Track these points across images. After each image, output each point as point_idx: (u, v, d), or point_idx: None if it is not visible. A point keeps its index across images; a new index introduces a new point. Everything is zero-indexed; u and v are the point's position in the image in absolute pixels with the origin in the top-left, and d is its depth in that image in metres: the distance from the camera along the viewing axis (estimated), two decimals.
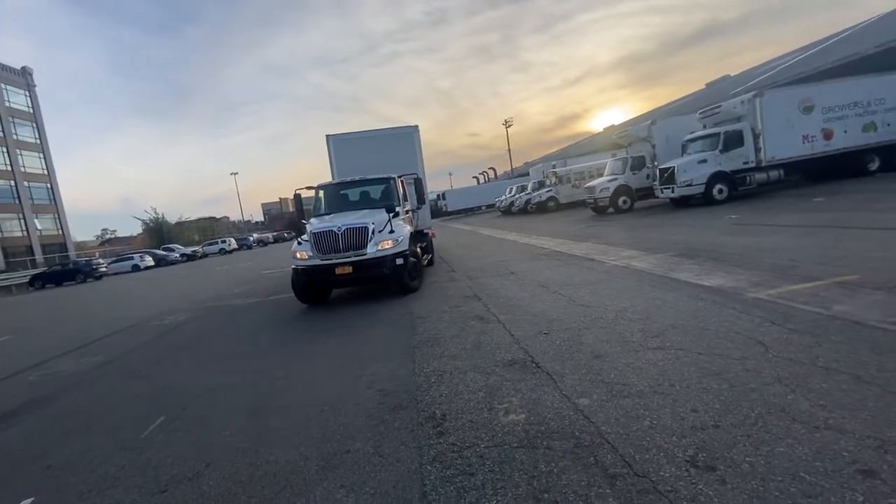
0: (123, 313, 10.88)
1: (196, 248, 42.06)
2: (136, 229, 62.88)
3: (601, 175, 22.71)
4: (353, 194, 9.17)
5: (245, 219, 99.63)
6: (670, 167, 14.65)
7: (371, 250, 7.12)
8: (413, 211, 9.76)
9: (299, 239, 7.76)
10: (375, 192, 9.04)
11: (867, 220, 7.68)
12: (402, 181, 9.22)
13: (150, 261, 34.08)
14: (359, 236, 7.15)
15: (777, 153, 14.17)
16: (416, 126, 11.78)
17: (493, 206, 43.78)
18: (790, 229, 8.13)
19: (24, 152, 46.48)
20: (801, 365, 2.91)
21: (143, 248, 43.80)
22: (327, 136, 11.53)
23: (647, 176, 17.17)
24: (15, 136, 45.77)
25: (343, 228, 7.15)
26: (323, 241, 7.20)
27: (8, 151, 44.59)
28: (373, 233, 7.22)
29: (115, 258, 35.74)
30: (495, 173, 76.49)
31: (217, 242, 45.02)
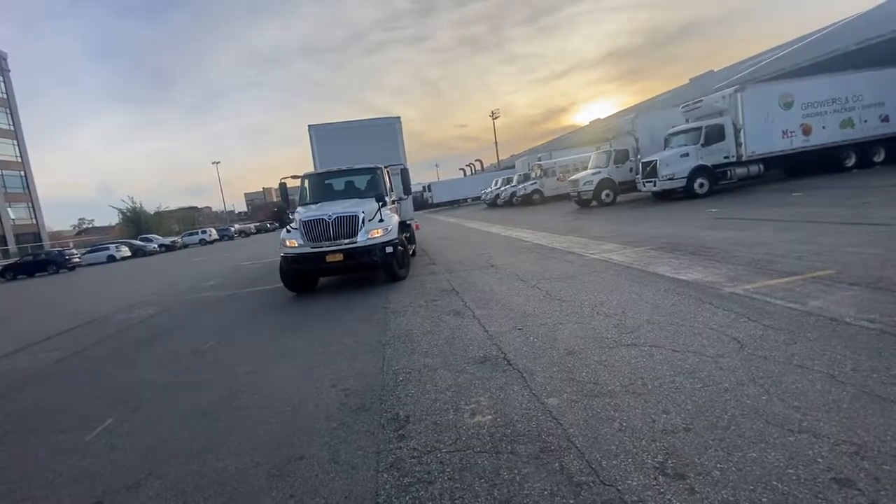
0: (91, 306, 10.47)
1: (175, 239, 41.04)
2: (114, 219, 61.22)
3: (586, 168, 22.78)
4: (339, 184, 9.14)
5: (228, 209, 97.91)
6: (652, 161, 14.66)
7: (361, 238, 7.15)
8: (398, 201, 9.74)
9: (288, 227, 7.71)
10: (361, 182, 9.05)
11: (844, 215, 7.73)
12: (388, 171, 9.22)
13: (126, 251, 33.10)
14: (350, 224, 7.17)
15: (757, 148, 14.27)
16: (399, 117, 11.77)
17: (479, 198, 43.67)
18: (768, 223, 8.15)
19: None
20: (776, 363, 2.82)
21: (120, 239, 42.63)
22: (309, 126, 11.44)
23: (631, 169, 17.19)
24: None
25: (334, 217, 7.17)
26: (314, 229, 7.21)
27: None
28: (363, 221, 7.25)
29: (89, 248, 34.64)
30: (482, 165, 76.35)
31: (197, 233, 44.01)
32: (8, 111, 46.75)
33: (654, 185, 14.68)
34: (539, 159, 29.05)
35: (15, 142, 46.97)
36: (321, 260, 7.16)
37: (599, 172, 17.27)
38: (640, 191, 16.22)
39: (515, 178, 30.21)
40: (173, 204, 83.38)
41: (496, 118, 60.88)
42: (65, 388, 4.52)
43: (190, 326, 6.65)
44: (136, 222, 50.99)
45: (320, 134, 11.53)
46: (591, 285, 5.56)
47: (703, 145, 14.14)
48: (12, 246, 42.96)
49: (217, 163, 67.27)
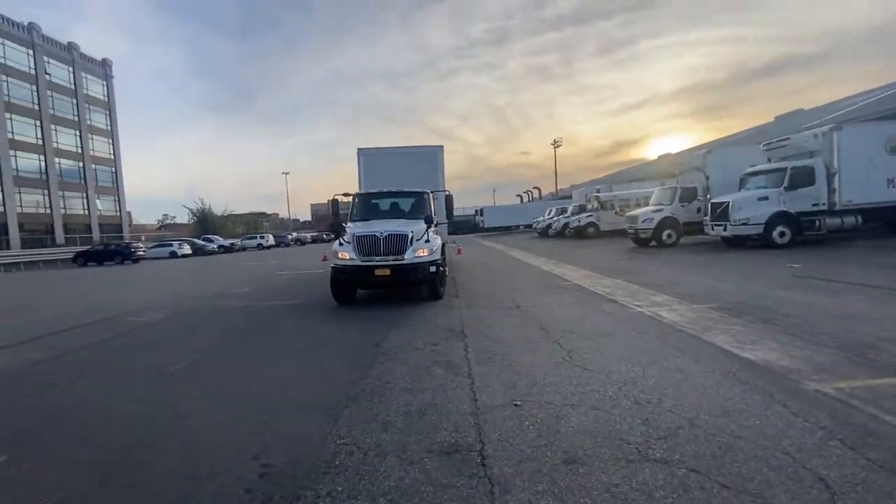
0: (115, 302, 10.59)
1: (234, 241, 43.17)
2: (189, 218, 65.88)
3: (647, 204, 21.15)
4: (385, 204, 9.67)
5: (293, 217, 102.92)
6: (724, 202, 13.00)
7: (409, 256, 7.57)
8: (437, 225, 9.88)
9: (341, 240, 8.15)
10: (406, 203, 9.60)
11: None
12: (433, 196, 9.82)
13: (187, 249, 35.08)
14: (399, 242, 7.61)
15: (855, 196, 12.24)
16: (441, 146, 12.52)
17: (531, 226, 42.39)
18: (868, 290, 6.55)
19: (95, 137, 49.87)
20: None
21: (190, 236, 45.54)
22: (359, 149, 12.45)
23: (698, 209, 15.49)
24: (89, 122, 49.22)
25: (385, 234, 7.61)
26: (365, 244, 7.63)
27: (80, 135, 47.99)
28: (411, 240, 7.67)
29: (156, 243, 37.17)
30: (540, 193, 75.03)
31: (256, 237, 46.09)
32: (108, 113, 52.19)
33: (725, 230, 12.98)
34: (597, 191, 27.55)
35: (110, 140, 52.16)
36: (370, 273, 7.54)
37: (662, 210, 15.69)
38: (707, 234, 14.48)
39: (570, 209, 28.79)
40: (245, 208, 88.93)
41: (558, 146, 59.66)
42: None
43: (180, 339, 6.22)
44: (204, 222, 54.47)
45: (368, 157, 12.44)
46: (626, 350, 4.46)
47: (786, 189, 12.34)
48: (96, 234, 47.23)
49: (286, 173, 71.15)
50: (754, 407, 3.01)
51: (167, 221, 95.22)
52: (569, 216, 27.55)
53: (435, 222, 9.10)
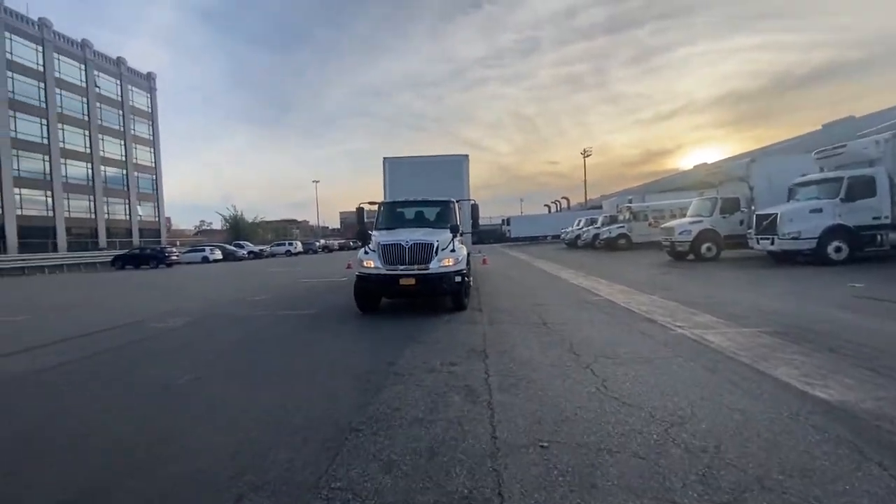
0: (141, 306, 10.64)
1: (263, 247, 44.04)
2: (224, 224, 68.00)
3: (684, 216, 20.17)
4: (410, 213, 9.63)
5: (322, 224, 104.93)
6: (772, 214, 12.05)
7: (434, 266, 7.44)
8: (463, 234, 9.75)
9: (366, 249, 8.07)
10: (431, 213, 9.50)
11: None
12: (458, 205, 9.76)
13: (219, 254, 35.95)
14: (424, 251, 7.49)
15: None
16: (467, 155, 12.46)
17: (559, 237, 41.45)
18: None
19: (138, 146, 52.23)
20: None
21: (222, 242, 46.82)
22: (384, 158, 12.54)
23: (741, 222, 14.50)
24: (133, 132, 51.62)
25: (411, 243, 7.52)
26: (390, 253, 7.53)
27: (125, 144, 50.34)
28: (437, 250, 7.55)
29: (189, 248, 38.29)
30: (568, 203, 73.69)
31: (284, 244, 46.88)
32: (150, 123, 54.61)
33: (772, 244, 12.02)
34: (629, 201, 26.56)
35: (152, 149, 54.51)
36: (395, 282, 7.44)
37: (701, 221, 14.76)
38: (751, 248, 13.49)
39: (600, 220, 27.88)
40: (276, 215, 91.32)
41: (588, 156, 58.42)
42: None
43: (194, 349, 6.00)
44: (236, 228, 56.01)
45: (393, 166, 12.53)
46: (670, 382, 3.89)
47: (843, 200, 11.32)
48: (136, 239, 49.17)
49: (317, 182, 72.67)
50: (841, 465, 2.43)
51: (204, 227, 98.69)
52: (599, 227, 26.65)
53: (460, 231, 8.88)
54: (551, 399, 3.59)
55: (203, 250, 35.96)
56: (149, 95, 54.65)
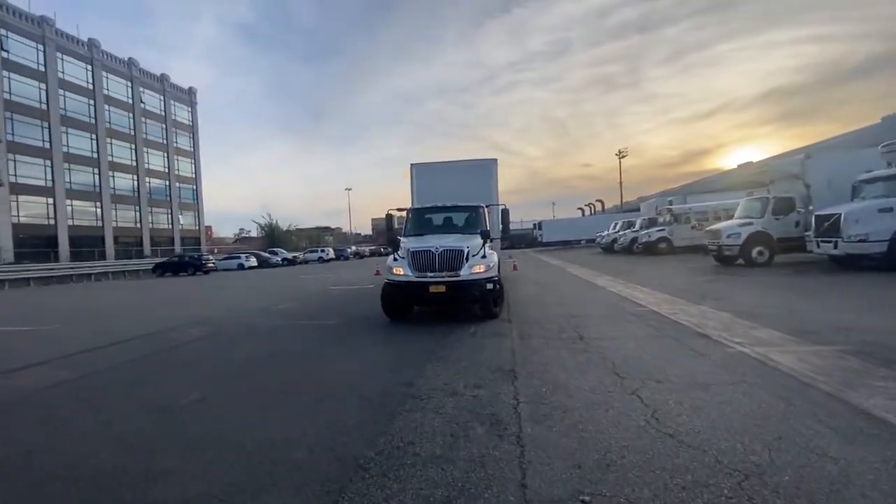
0: (170, 314, 10.67)
1: (297, 254, 44.82)
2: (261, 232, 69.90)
3: (730, 217, 18.93)
4: (438, 219, 9.51)
5: (355, 231, 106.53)
6: (834, 214, 10.92)
7: (465, 273, 7.25)
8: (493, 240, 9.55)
9: (395, 255, 7.92)
10: (459, 218, 9.34)
11: None
12: (488, 210, 9.57)
13: (254, 261, 36.77)
14: (455, 258, 7.30)
15: None
16: (495, 159, 12.32)
17: (594, 241, 40.16)
18: None
19: (179, 158, 54.51)
20: None
21: (258, 249, 48.02)
22: (412, 164, 12.49)
23: (797, 223, 13.29)
24: (175, 144, 53.92)
25: (441, 249, 7.34)
26: (420, 260, 7.38)
27: (168, 157, 52.62)
28: (467, 256, 7.35)
29: (225, 256, 39.37)
30: (603, 206, 71.70)
31: (317, 251, 47.59)
32: (191, 136, 56.91)
33: (835, 247, 10.88)
34: (669, 202, 25.27)
35: (192, 161, 56.75)
36: (425, 289, 7.27)
37: (751, 224, 13.62)
38: (809, 252, 12.32)
39: (638, 223, 26.66)
40: (311, 223, 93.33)
41: (623, 157, 56.59)
42: None
43: (206, 364, 5.75)
44: (271, 236, 57.40)
45: (421, 172, 12.43)
46: (736, 415, 3.25)
47: None
48: (178, 247, 51.13)
49: (349, 189, 73.72)
50: None
51: (242, 235, 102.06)
52: (637, 230, 25.45)
53: (491, 237, 8.69)
54: (592, 435, 3.03)
55: (239, 257, 36.88)
56: (190, 109, 57.02)
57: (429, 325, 7.44)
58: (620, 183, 59.26)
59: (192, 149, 56.87)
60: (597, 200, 72.90)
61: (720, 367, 4.39)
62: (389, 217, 9.70)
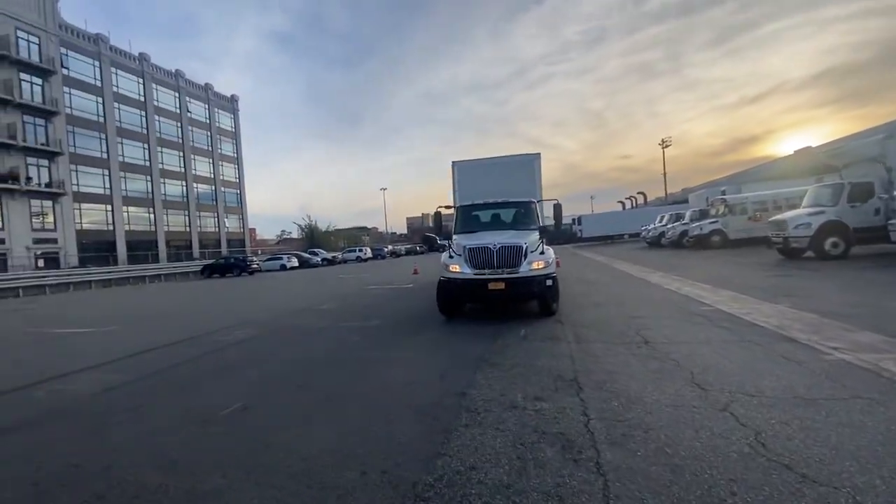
0: (216, 316, 10.83)
1: (336, 254, 45.54)
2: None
3: (793, 207, 17.53)
4: (487, 215, 9.38)
5: (390, 231, 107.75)
6: None
7: (524, 269, 7.13)
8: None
9: (451, 253, 7.87)
10: (512, 214, 9.20)
11: None
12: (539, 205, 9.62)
13: (295, 262, 37.60)
14: (513, 255, 7.18)
15: None
16: (538, 154, 12.35)
17: (637, 235, 38.54)
18: None
19: (223, 164, 56.63)
20: None
21: (299, 250, 49.23)
22: (453, 162, 12.98)
23: (877, 211, 11.97)
24: (219, 151, 56.06)
25: (498, 246, 7.22)
26: (478, 257, 7.29)
27: (213, 163, 54.79)
28: (526, 253, 7.22)
29: (268, 257, 40.49)
30: (645, 199, 68.91)
31: (355, 250, 48.21)
32: (234, 142, 59.00)
33: None
34: (722, 192, 23.72)
35: (236, 166, 58.84)
36: (483, 287, 7.16)
37: (823, 213, 12.38)
38: (893, 243, 11.05)
39: (688, 215, 25.19)
40: (347, 223, 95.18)
41: (667, 146, 54.12)
42: None
43: (249, 368, 5.62)
44: (311, 237, 58.70)
45: (462, 169, 12.76)
46: (862, 439, 2.69)
47: None
48: (224, 249, 53.18)
49: (384, 189, 74.48)
50: None
51: (284, 236, 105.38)
52: (687, 223, 24.04)
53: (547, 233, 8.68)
54: (687, 463, 2.57)
55: (281, 258, 37.82)
56: (232, 116, 59.14)
57: (475, 327, 7.08)
58: (664, 174, 56.82)
59: (235, 154, 58.99)
60: (638, 193, 69.90)
61: (822, 377, 3.78)
62: (438, 214, 9.68)
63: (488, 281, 7.14)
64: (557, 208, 9.37)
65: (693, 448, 2.73)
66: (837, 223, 12.18)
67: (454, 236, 8.38)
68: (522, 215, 9.06)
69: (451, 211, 10.14)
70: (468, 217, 9.26)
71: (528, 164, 12.16)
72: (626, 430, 3.04)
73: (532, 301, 7.71)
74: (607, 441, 2.90)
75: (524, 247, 7.28)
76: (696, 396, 3.54)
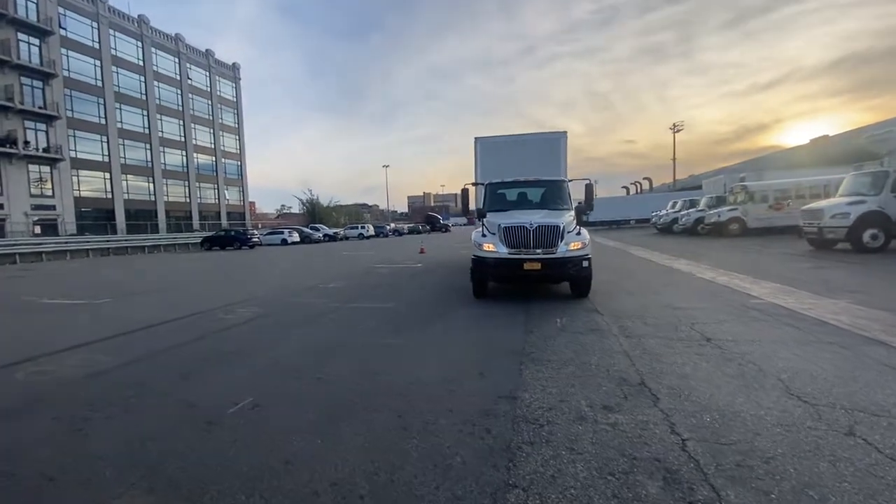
0: (218, 291, 10.22)
1: (338, 231, 44.82)
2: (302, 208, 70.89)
3: (817, 196, 16.92)
4: (512, 194, 9.15)
5: (391, 209, 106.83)
6: None
7: (562, 249, 6.97)
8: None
9: (483, 231, 7.73)
10: (541, 193, 8.90)
11: None
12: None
13: (296, 237, 36.92)
14: (550, 234, 7.02)
15: None
16: (565, 132, 11.64)
17: (646, 221, 37.78)
18: None
19: (224, 134, 55.31)
20: None
21: (299, 225, 48.46)
22: (476, 138, 12.12)
23: None
24: (220, 120, 54.66)
25: (535, 225, 7.04)
26: (514, 236, 7.11)
27: (214, 132, 53.47)
28: (562, 233, 7.06)
29: (269, 231, 39.76)
30: (650, 184, 67.96)
31: (357, 227, 47.49)
32: (235, 111, 57.52)
33: None
34: (741, 179, 22.91)
35: (237, 137, 57.50)
36: (519, 267, 7.00)
37: (863, 202, 11.61)
38: None
39: (703, 201, 24.43)
40: (350, 199, 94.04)
41: (678, 130, 52.89)
42: None
43: (257, 354, 4.99)
44: (312, 212, 57.79)
45: (485, 146, 12.08)
46: None
47: None
48: (224, 221, 52.40)
49: (386, 166, 73.28)
50: None
51: (284, 211, 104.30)
52: (702, 209, 23.29)
53: (585, 213, 8.53)
54: (825, 496, 1.94)
55: (282, 233, 37.12)
56: (234, 85, 57.51)
57: (501, 311, 6.46)
58: (674, 160, 55.70)
59: (236, 125, 57.60)
60: (644, 178, 68.99)
61: None
62: (465, 192, 9.37)
63: (524, 261, 6.94)
64: (589, 188, 8.91)
65: (843, 491, 2.11)
66: (879, 213, 11.45)
67: (489, 215, 8.11)
68: (553, 194, 8.70)
69: (472, 189, 9.81)
70: (500, 195, 9.00)
71: (555, 142, 11.47)
72: (738, 459, 2.41)
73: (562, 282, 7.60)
74: (720, 473, 2.28)
75: (561, 227, 7.08)
76: (805, 414, 2.91)
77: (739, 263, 10.88)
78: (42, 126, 35.28)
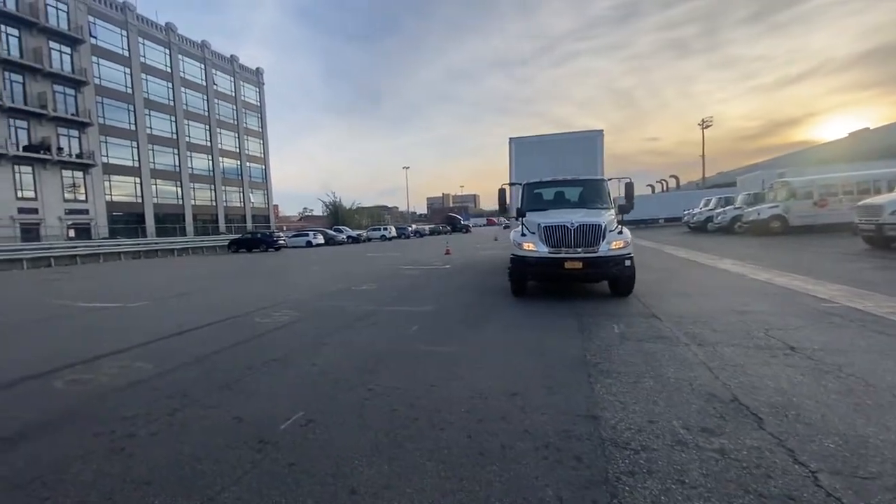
0: (251, 294, 10.11)
1: (361, 232, 44.97)
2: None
3: (864, 193, 16.03)
4: (549, 193, 9.11)
5: (411, 210, 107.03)
6: None
7: (603, 249, 6.94)
8: None
9: (522, 230, 7.72)
10: (580, 192, 8.83)
11: None
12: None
13: (321, 239, 37.14)
14: (592, 233, 7.00)
15: None
16: (601, 131, 11.53)
17: (676, 220, 36.72)
18: None
19: (249, 138, 56.18)
20: None
21: (322, 227, 48.84)
22: (510, 138, 12.27)
23: None
24: (245, 125, 55.55)
25: (576, 224, 7.03)
26: (554, 235, 7.12)
27: (238, 137, 54.38)
28: (604, 232, 7.02)
29: (294, 233, 40.13)
30: (677, 182, 66.19)
31: (380, 229, 47.56)
32: (259, 116, 58.37)
33: None
34: (780, 175, 21.89)
35: (261, 141, 58.33)
36: (560, 266, 7.00)
37: None
38: None
39: (739, 199, 23.44)
40: (369, 201, 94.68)
41: (707, 126, 51.29)
42: None
43: (300, 361, 4.75)
44: (335, 214, 58.22)
45: (520, 146, 12.11)
46: None
47: None
48: (249, 224, 53.20)
49: (406, 168, 73.35)
50: None
51: (307, 213, 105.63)
52: (739, 207, 22.33)
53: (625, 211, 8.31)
54: None
55: (307, 235, 37.40)
56: (258, 90, 58.40)
57: (546, 315, 6.09)
58: (703, 156, 54.06)
59: (260, 129, 58.45)
60: (671, 176, 67.23)
61: None
62: (503, 192, 9.35)
63: (565, 260, 6.95)
64: (629, 187, 8.63)
65: None
66: None
67: (529, 214, 8.05)
68: (592, 194, 8.68)
69: (508, 189, 9.90)
70: (539, 195, 9.04)
71: (591, 141, 11.37)
72: (889, 498, 2.01)
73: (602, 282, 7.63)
74: None
75: (603, 225, 7.05)
76: None
77: (793, 263, 10.22)
78: (75, 133, 36.37)
